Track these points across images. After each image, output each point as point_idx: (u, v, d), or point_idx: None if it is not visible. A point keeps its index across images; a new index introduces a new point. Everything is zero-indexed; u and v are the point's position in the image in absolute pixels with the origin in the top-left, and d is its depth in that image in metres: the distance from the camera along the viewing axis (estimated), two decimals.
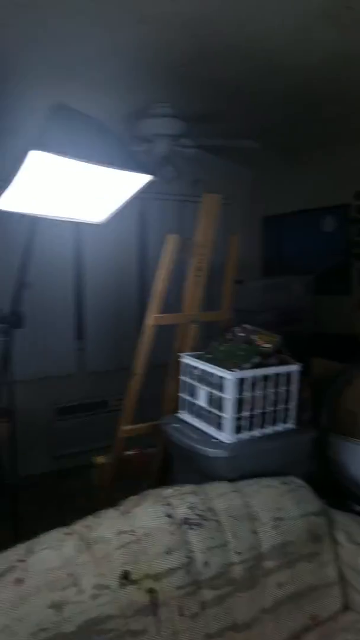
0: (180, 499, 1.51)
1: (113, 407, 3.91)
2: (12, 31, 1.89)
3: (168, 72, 2.29)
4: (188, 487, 1.57)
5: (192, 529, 1.45)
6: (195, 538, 1.44)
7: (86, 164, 1.38)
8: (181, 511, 1.48)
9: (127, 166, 1.48)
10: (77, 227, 3.65)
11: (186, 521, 1.46)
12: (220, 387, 1.87)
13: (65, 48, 2.04)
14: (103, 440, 3.84)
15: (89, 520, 1.44)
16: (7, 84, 2.39)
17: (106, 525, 1.40)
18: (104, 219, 1.88)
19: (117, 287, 3.85)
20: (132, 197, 1.67)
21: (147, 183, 1.58)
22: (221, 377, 1.87)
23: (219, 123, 3.04)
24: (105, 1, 1.68)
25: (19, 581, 1.24)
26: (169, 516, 1.45)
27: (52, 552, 1.31)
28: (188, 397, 2.11)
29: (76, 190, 1.63)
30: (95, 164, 1.39)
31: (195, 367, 2.05)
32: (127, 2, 1.69)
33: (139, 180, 1.56)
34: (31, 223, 2.08)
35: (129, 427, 2.22)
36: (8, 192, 1.57)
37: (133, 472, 2.35)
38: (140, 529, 1.40)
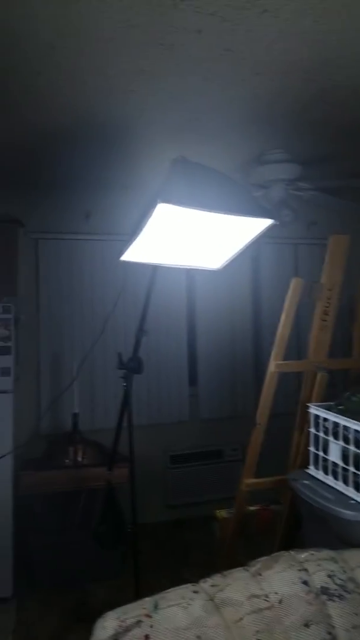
0: (318, 565, 1.36)
1: (228, 457, 3.80)
2: (135, 96, 2.04)
3: (282, 118, 2.31)
4: (325, 553, 1.42)
5: (332, 600, 1.30)
6: (336, 612, 1.28)
7: (209, 213, 1.42)
8: (319, 579, 1.33)
9: (249, 212, 1.48)
10: (190, 274, 3.74)
11: (325, 591, 1.31)
12: (357, 443, 1.72)
13: (181, 105, 2.15)
14: (219, 491, 3.74)
15: (217, 579, 1.35)
16: (128, 144, 2.57)
17: (236, 587, 1.30)
18: (221, 265, 1.90)
19: (231, 332, 3.83)
20: (251, 241, 1.66)
21: (268, 227, 1.57)
22: (357, 432, 1.71)
23: (336, 163, 2.97)
24: (219, 58, 1.75)
25: (147, 637, 1.18)
26: (305, 583, 1.31)
27: (180, 610, 1.24)
28: (319, 452, 1.96)
29: (196, 238, 1.66)
30: (219, 212, 1.41)
31: (326, 420, 1.91)
32: (241, 56, 1.74)
33: (260, 224, 1.55)
34: (152, 272, 2.15)
35: (252, 480, 2.11)
36: (134, 244, 1.65)
37: (256, 528, 2.21)
38: (274, 595, 1.28)
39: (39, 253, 3.39)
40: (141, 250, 1.72)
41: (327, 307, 2.16)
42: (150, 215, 1.40)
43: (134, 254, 1.74)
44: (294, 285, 2.11)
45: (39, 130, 2.34)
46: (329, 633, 1.25)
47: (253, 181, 2.76)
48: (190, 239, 1.64)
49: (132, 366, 2.23)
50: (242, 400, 3.85)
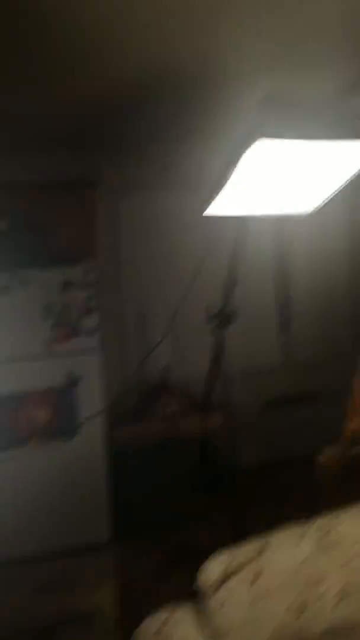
0: None
1: (326, 402, 3.70)
2: (214, 34, 1.89)
3: None
4: None
5: None
6: None
7: (308, 143, 1.27)
8: None
9: (351, 135, 1.32)
10: (280, 224, 3.58)
11: None
12: None
13: (265, 35, 1.95)
14: (316, 435, 3.67)
15: (325, 520, 1.31)
16: (215, 85, 2.41)
17: (344, 528, 1.26)
18: (316, 207, 1.76)
19: (325, 278, 3.64)
20: (355, 174, 1.50)
21: None
22: None
23: None
24: None
25: (255, 579, 1.18)
26: None
27: (288, 552, 1.22)
28: None
29: (288, 181, 1.52)
30: (326, 139, 1.27)
31: None
32: None
33: None
34: (241, 224, 2.06)
35: (357, 425, 2.02)
36: (223, 193, 1.54)
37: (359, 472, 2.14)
38: None
39: (118, 212, 3.36)
40: (226, 202, 1.62)
41: None
42: (246, 156, 1.28)
43: (218, 207, 1.64)
44: None
45: (116, 81, 2.24)
46: None
47: (350, 113, 2.50)
48: (281, 183, 1.52)
49: (225, 317, 2.19)
50: (339, 344, 3.70)
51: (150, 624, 1.21)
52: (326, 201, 1.64)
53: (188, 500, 2.77)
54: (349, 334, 3.69)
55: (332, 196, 1.60)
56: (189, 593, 1.25)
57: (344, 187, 1.55)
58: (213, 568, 1.20)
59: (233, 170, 1.32)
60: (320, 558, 1.20)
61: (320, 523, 1.31)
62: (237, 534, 2.09)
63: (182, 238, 3.40)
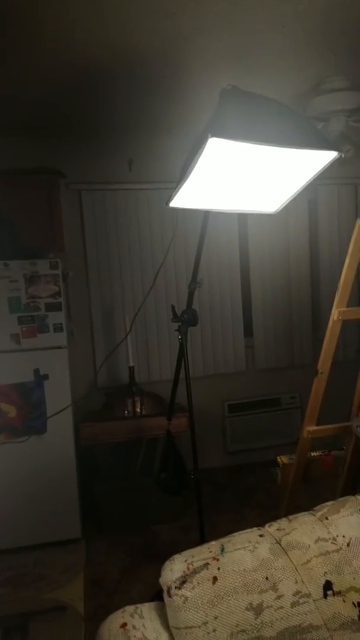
0: None
1: (286, 406, 3.79)
2: (179, 20, 1.89)
3: (341, 37, 2.09)
4: None
5: None
6: None
7: (266, 147, 1.29)
8: None
9: (312, 144, 1.34)
10: (243, 221, 3.61)
11: None
12: None
13: (228, 31, 1.98)
14: (277, 439, 3.76)
15: (283, 523, 1.35)
16: (171, 79, 2.41)
17: (302, 531, 1.30)
18: (277, 208, 1.78)
19: (287, 280, 3.70)
20: (311, 179, 1.54)
21: (331, 162, 1.44)
22: None
23: None
24: None
25: (215, 579, 1.21)
26: None
27: (247, 553, 1.26)
28: None
29: (250, 179, 1.55)
30: (278, 145, 1.29)
31: None
32: None
33: (321, 159, 1.42)
34: (204, 219, 2.07)
35: (314, 427, 2.08)
36: (183, 188, 1.57)
37: (318, 474, 2.20)
38: (342, 538, 1.27)
39: (83, 205, 3.31)
40: (191, 194, 1.63)
41: None
42: (201, 153, 1.29)
43: (183, 199, 1.65)
44: (359, 226, 1.97)
45: (75, 67, 2.21)
46: None
47: (310, 114, 2.56)
48: (243, 180, 1.53)
49: (186, 319, 2.20)
50: (299, 349, 3.78)
51: (117, 618, 1.22)
52: (286, 203, 1.66)
53: (154, 500, 2.79)
54: (309, 339, 3.78)
55: (291, 198, 1.63)
56: (155, 590, 1.27)
57: (305, 190, 1.58)
58: (173, 569, 1.22)
59: (194, 163, 1.33)
60: (278, 559, 1.24)
61: (279, 524, 1.35)
62: (200, 534, 2.15)
63: (148, 232, 3.40)
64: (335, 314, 2.01)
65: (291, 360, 3.77)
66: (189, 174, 1.43)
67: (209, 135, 1.19)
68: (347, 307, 2.02)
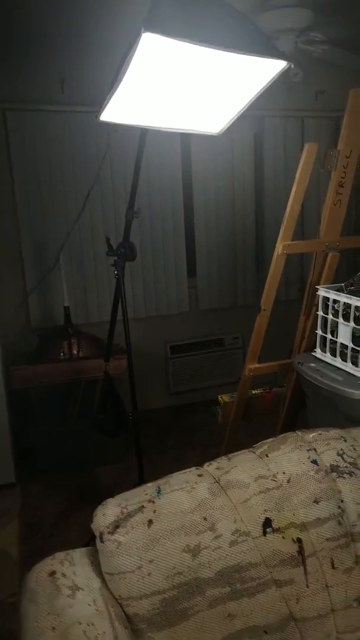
0: (327, 444, 1.31)
1: (229, 346, 3.78)
2: None
3: None
4: (334, 432, 1.36)
5: (342, 477, 1.25)
6: (347, 487, 1.25)
7: (208, 51, 1.12)
8: (328, 458, 1.28)
9: (259, 50, 1.17)
10: (186, 151, 3.40)
11: (335, 469, 1.26)
12: None
13: None
14: (219, 378, 3.77)
15: (222, 461, 1.29)
16: None
17: (242, 469, 1.25)
18: (221, 129, 1.62)
19: (231, 216, 3.57)
20: (259, 93, 1.38)
21: (280, 73, 1.28)
22: None
23: (355, 10, 2.53)
24: None
25: (150, 522, 1.14)
26: (315, 462, 1.26)
27: (184, 494, 1.19)
28: (327, 335, 1.86)
29: (191, 92, 1.37)
30: (221, 48, 1.11)
31: (336, 302, 1.78)
32: None
33: (270, 69, 1.25)
34: (141, 139, 1.87)
35: (255, 365, 2.03)
36: (116, 96, 1.36)
37: (259, 411, 2.19)
38: (282, 475, 1.23)
39: (8, 127, 2.95)
40: (126, 107, 1.43)
41: (343, 178, 1.91)
42: (134, 53, 1.09)
43: (117, 112, 1.45)
44: (308, 151, 1.84)
45: None
46: (339, 507, 1.22)
47: None
48: (184, 94, 1.35)
49: (122, 252, 2.02)
50: (242, 290, 3.72)
51: (45, 566, 1.14)
52: (231, 121, 1.51)
53: (93, 442, 2.72)
54: (253, 280, 3.73)
55: (237, 116, 1.47)
56: (90, 535, 1.20)
57: (247, 120, 1.43)
58: (106, 513, 1.14)
59: (126, 67, 1.14)
60: (217, 499, 1.18)
61: (219, 463, 1.29)
62: (140, 476, 2.10)
63: (82, 159, 3.12)
64: (279, 248, 1.92)
65: (234, 301, 3.73)
66: (122, 78, 1.23)
67: (142, 30, 1.00)
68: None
